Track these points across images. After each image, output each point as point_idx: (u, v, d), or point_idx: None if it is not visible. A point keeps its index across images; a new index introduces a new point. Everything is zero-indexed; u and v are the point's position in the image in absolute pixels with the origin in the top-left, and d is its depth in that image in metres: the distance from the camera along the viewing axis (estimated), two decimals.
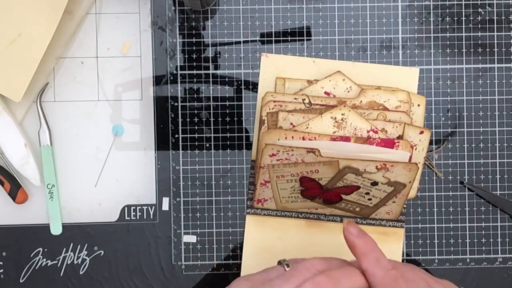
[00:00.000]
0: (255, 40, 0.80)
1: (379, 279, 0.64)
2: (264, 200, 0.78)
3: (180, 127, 0.80)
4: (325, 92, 0.77)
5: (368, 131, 0.75)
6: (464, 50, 0.81)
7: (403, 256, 0.81)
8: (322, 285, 0.62)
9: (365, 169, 0.73)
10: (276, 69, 0.80)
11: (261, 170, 0.75)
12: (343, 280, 0.64)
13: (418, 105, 0.78)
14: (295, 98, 0.76)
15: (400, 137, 0.76)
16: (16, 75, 0.76)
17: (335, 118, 0.75)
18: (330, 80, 0.77)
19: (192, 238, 0.80)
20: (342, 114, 0.75)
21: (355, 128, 0.75)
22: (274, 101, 0.76)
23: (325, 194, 0.77)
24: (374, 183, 0.75)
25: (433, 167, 0.81)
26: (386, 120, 0.76)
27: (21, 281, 0.80)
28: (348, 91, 0.77)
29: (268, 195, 0.78)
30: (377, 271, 0.64)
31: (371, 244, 0.66)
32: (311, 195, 0.77)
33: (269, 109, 0.76)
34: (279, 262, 0.67)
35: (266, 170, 0.75)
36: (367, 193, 0.76)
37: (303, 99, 0.76)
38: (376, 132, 0.75)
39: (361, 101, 0.77)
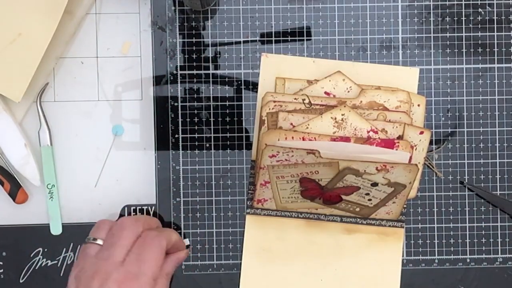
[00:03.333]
0: (255, 40, 0.80)
1: None
2: (264, 200, 0.78)
3: (180, 127, 0.80)
4: (325, 92, 0.77)
5: (368, 131, 0.75)
6: (464, 50, 0.81)
7: (403, 256, 0.81)
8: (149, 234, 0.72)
9: (365, 170, 0.73)
10: (276, 69, 0.80)
11: (261, 171, 0.75)
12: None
13: (418, 105, 0.78)
14: (295, 98, 0.76)
15: (400, 137, 0.76)
16: (16, 75, 0.76)
17: (335, 118, 0.75)
18: (330, 80, 0.77)
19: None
20: (342, 115, 0.75)
21: (355, 129, 0.75)
22: (274, 101, 0.76)
23: (325, 195, 0.77)
24: (374, 184, 0.75)
25: (433, 167, 0.81)
26: (386, 120, 0.76)
27: (21, 281, 0.80)
28: (348, 91, 0.77)
29: (268, 195, 0.78)
30: None
31: None
32: (311, 195, 0.77)
33: (269, 109, 0.76)
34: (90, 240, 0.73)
35: (266, 171, 0.75)
36: (367, 194, 0.76)
37: (303, 99, 0.76)
38: (376, 133, 0.75)
39: (361, 101, 0.77)
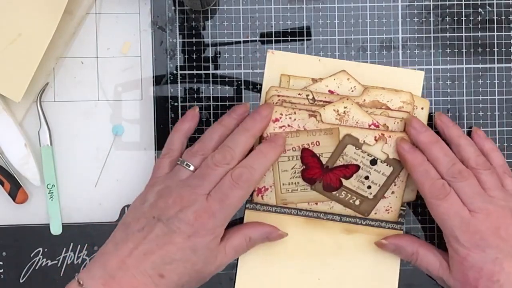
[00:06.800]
0: (255, 40, 0.80)
1: (427, 188, 0.73)
2: (264, 190, 0.78)
3: None
4: (329, 91, 0.77)
5: (369, 125, 0.76)
6: (464, 50, 0.81)
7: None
8: (242, 177, 0.72)
9: (364, 141, 0.75)
10: (281, 67, 0.80)
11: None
12: (256, 163, 0.73)
13: (422, 108, 0.78)
14: (299, 94, 0.77)
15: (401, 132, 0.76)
16: (16, 75, 0.76)
17: (338, 111, 0.76)
18: (334, 79, 0.78)
19: None
20: (345, 107, 0.75)
21: (356, 122, 0.76)
22: (278, 96, 0.77)
23: (325, 177, 0.77)
24: (373, 162, 0.75)
25: None
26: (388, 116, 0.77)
27: (21, 281, 0.80)
28: (352, 91, 0.78)
29: (269, 181, 0.77)
30: (425, 181, 0.73)
31: (420, 158, 0.73)
32: (311, 177, 0.77)
33: (273, 103, 0.77)
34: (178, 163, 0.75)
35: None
36: (367, 177, 0.76)
37: (307, 95, 0.77)
38: (377, 126, 0.76)
39: (364, 100, 0.77)
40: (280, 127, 0.75)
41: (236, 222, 0.80)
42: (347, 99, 0.76)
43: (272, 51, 0.80)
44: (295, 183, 0.78)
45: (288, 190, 0.78)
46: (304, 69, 0.79)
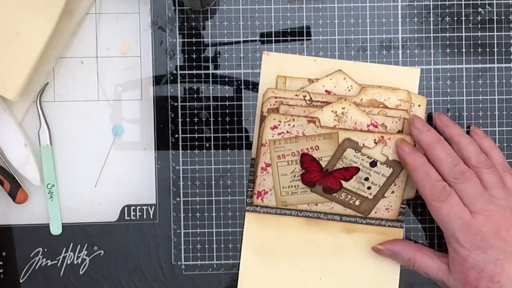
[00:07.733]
0: (255, 40, 0.80)
1: (428, 190, 0.72)
2: (264, 193, 0.78)
3: (180, 127, 0.80)
4: (326, 91, 0.77)
5: (368, 125, 0.76)
6: (464, 50, 0.81)
7: None
8: None
9: (363, 144, 0.74)
10: (277, 68, 0.80)
11: (262, 149, 0.75)
12: None
13: (419, 106, 0.78)
14: (296, 95, 0.77)
15: (399, 132, 0.76)
16: (13, 74, 0.76)
17: (336, 112, 0.76)
18: (331, 79, 0.78)
19: None
20: (343, 108, 0.75)
21: (355, 122, 0.76)
22: (275, 97, 0.77)
23: (325, 180, 0.77)
24: (373, 164, 0.75)
25: None
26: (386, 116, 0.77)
27: (21, 281, 0.80)
28: (349, 90, 0.78)
29: (269, 185, 0.78)
30: (425, 183, 0.72)
31: (420, 160, 0.73)
32: (311, 180, 0.77)
33: (270, 105, 0.77)
34: None
35: (267, 148, 0.75)
36: (366, 179, 0.76)
37: (304, 96, 0.77)
38: (376, 126, 0.76)
39: (361, 99, 0.77)
40: (279, 133, 0.75)
41: (237, 225, 0.81)
42: (345, 99, 0.76)
43: (268, 53, 0.80)
44: (295, 186, 0.78)
45: (288, 193, 0.78)
46: (300, 69, 0.79)
